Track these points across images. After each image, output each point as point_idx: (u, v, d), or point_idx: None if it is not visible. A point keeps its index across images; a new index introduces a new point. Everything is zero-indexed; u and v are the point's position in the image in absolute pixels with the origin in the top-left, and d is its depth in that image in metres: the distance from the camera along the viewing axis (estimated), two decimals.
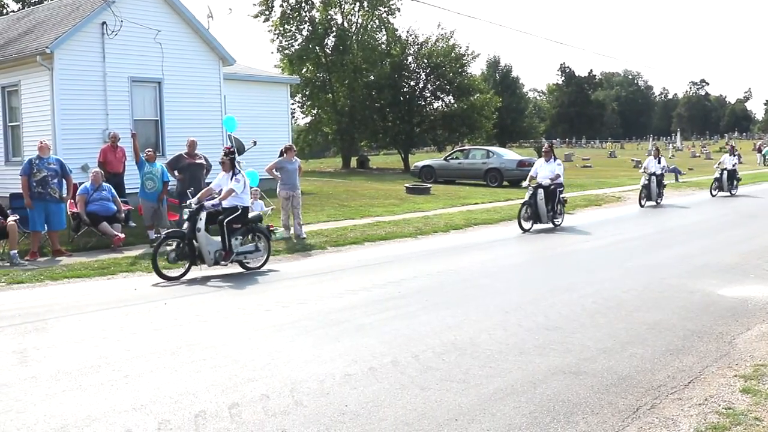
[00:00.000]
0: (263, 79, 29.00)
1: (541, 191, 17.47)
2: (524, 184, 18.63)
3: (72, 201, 15.09)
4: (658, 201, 23.82)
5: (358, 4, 49.94)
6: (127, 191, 17.75)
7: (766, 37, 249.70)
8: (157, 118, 21.63)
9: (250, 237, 12.77)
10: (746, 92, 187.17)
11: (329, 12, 48.95)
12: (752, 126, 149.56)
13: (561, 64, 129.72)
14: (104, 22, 19.98)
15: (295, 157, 16.24)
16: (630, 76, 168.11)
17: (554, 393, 6.13)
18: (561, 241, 15.86)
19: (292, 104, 46.47)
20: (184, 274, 12.01)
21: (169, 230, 13.03)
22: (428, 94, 50.95)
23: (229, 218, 12.32)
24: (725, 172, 26.67)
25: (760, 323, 8.51)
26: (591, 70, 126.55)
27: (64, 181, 14.21)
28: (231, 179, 12.63)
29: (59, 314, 9.38)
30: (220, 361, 7.13)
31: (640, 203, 23.29)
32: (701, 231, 17.23)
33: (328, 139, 53.69)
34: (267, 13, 48.45)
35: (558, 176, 17.67)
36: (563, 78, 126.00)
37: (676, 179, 35.11)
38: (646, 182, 23.73)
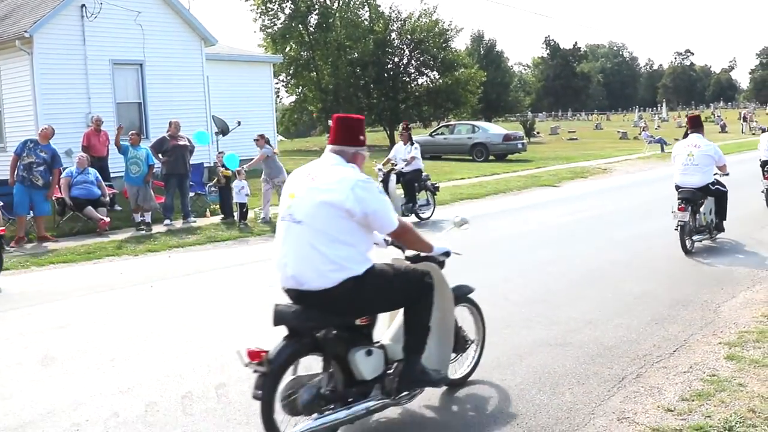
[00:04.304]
0: (246, 58, 28.87)
1: (395, 177, 15.27)
2: (377, 167, 15.41)
3: (57, 187, 14.95)
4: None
5: None
6: (112, 175, 17.67)
7: (750, 7, 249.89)
8: (139, 101, 21.50)
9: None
10: (731, 62, 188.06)
11: None
12: (737, 95, 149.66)
13: (545, 37, 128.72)
14: (83, 5, 19.80)
15: (266, 145, 15.57)
16: (615, 48, 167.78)
17: (540, 365, 6.16)
18: (548, 214, 15.87)
19: (276, 83, 46.19)
20: None
21: None
22: (412, 70, 50.82)
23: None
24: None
25: (745, 291, 8.56)
26: (576, 43, 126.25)
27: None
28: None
29: (45, 300, 9.35)
30: (206, 342, 7.13)
31: None
32: None
33: (314, 117, 53.52)
34: None
35: (414, 159, 15.40)
36: (548, 51, 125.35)
37: (662, 150, 35.15)
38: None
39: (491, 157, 32.28)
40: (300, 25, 48.23)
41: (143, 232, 14.53)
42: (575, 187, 21.30)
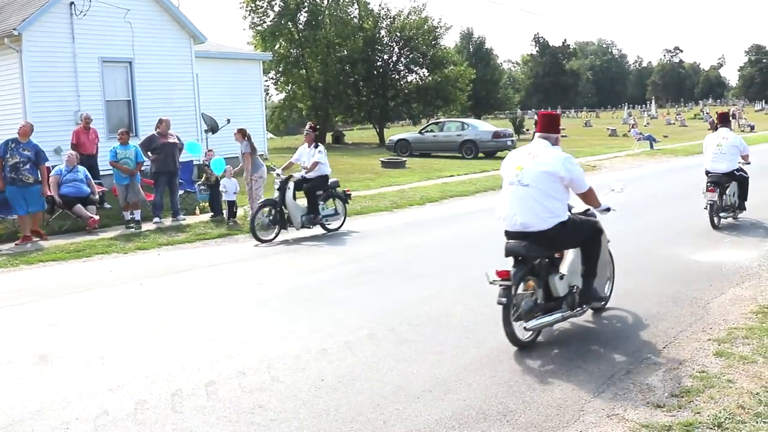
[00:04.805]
0: (235, 56, 28.77)
1: (293, 184, 13.77)
2: (276, 172, 13.93)
3: (47, 185, 14.84)
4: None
5: None
6: (102, 173, 17.60)
7: (739, 4, 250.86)
8: (129, 99, 21.40)
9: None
10: (720, 59, 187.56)
11: None
12: (726, 92, 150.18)
13: (535, 35, 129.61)
14: (72, 2, 19.69)
15: (245, 140, 15.30)
16: (604, 45, 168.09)
17: (530, 361, 6.18)
18: None
19: (266, 81, 46.16)
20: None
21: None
22: (402, 68, 50.84)
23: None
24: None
25: (734, 287, 8.59)
26: (565, 40, 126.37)
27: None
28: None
29: (34, 298, 9.31)
30: (196, 340, 7.12)
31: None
32: (674, 197, 17.33)
33: (303, 115, 53.41)
34: None
35: (317, 164, 13.74)
36: (537, 48, 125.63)
37: (651, 147, 35.26)
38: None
39: (481, 155, 32.30)
40: (289, 23, 48.11)
41: (133, 229, 14.49)
42: None
